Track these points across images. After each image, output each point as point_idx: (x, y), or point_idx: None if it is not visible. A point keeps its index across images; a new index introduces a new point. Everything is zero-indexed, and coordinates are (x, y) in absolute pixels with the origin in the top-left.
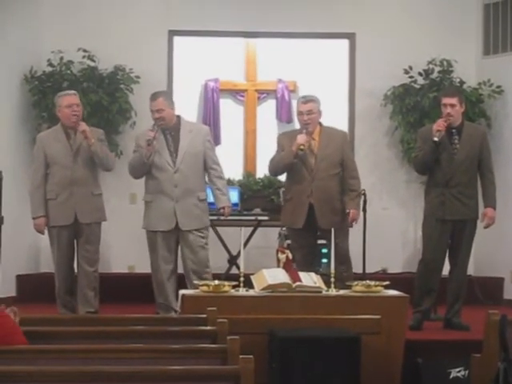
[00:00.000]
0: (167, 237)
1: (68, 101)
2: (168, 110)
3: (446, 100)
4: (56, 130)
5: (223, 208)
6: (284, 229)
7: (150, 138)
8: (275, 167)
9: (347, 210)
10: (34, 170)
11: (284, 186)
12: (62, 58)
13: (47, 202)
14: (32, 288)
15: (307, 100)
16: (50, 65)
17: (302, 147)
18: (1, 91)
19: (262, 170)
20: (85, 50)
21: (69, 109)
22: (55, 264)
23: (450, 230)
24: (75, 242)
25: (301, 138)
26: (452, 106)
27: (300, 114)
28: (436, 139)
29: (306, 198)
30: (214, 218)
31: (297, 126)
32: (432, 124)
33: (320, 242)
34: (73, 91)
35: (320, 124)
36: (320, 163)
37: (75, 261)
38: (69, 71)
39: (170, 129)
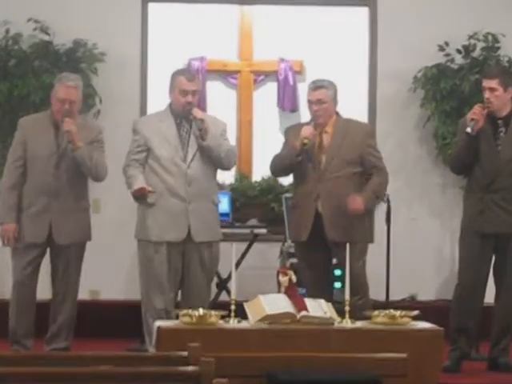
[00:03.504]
0: (175, 249)
1: (63, 93)
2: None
3: (484, 83)
4: (44, 117)
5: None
6: (287, 244)
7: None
8: (276, 166)
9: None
10: (10, 164)
11: (291, 191)
12: (7, 31)
13: (21, 210)
14: None
15: (317, 86)
16: None
17: (305, 141)
18: None
19: (259, 171)
20: (36, 21)
21: (60, 103)
22: (13, 288)
23: (492, 246)
24: (51, 265)
25: (305, 131)
26: (492, 89)
27: (309, 102)
28: (469, 130)
29: (312, 202)
30: None
31: (303, 115)
32: None
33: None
34: (74, 81)
35: (337, 114)
36: (331, 161)
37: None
38: (16, 46)
39: (181, 116)
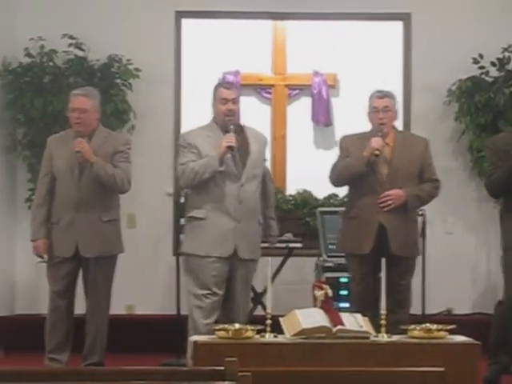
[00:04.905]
0: (222, 264)
1: (72, 103)
2: (239, 104)
3: None
4: (70, 133)
5: (273, 236)
6: (322, 258)
7: (233, 145)
8: (340, 175)
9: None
10: (38, 181)
11: (346, 202)
12: (42, 47)
13: (52, 225)
14: (5, 333)
15: (384, 95)
16: (28, 55)
17: (377, 152)
18: None
19: (293, 185)
20: (71, 37)
21: (72, 113)
22: (49, 302)
23: None
24: (82, 280)
25: (376, 142)
26: None
27: (374, 110)
28: None
29: (375, 216)
30: None
31: (337, 129)
32: (508, 133)
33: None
34: (83, 90)
35: (393, 127)
36: (395, 173)
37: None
38: (51, 63)
39: (225, 127)
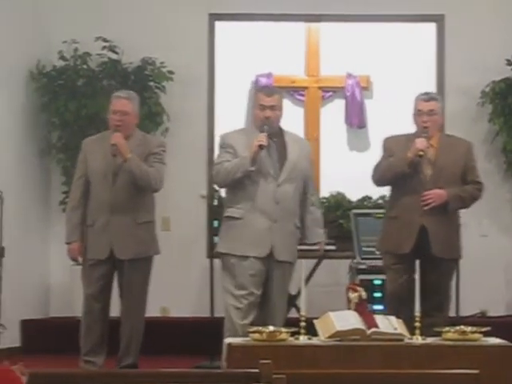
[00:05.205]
0: (258, 265)
1: (114, 105)
2: (281, 111)
3: None
4: (104, 136)
5: (318, 243)
6: (356, 261)
7: (264, 143)
8: (383, 175)
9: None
10: (73, 183)
11: (387, 202)
12: (76, 50)
13: (86, 228)
14: (40, 336)
15: (429, 97)
16: (62, 58)
17: (420, 153)
18: (0, 92)
19: (327, 188)
20: (104, 40)
21: (113, 115)
22: (83, 305)
23: None
24: (117, 282)
25: (420, 143)
26: None
27: (419, 113)
28: None
29: (417, 216)
30: None
31: (371, 131)
32: None
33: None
34: (125, 93)
35: (439, 130)
36: (438, 174)
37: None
38: (85, 66)
39: (272, 134)
